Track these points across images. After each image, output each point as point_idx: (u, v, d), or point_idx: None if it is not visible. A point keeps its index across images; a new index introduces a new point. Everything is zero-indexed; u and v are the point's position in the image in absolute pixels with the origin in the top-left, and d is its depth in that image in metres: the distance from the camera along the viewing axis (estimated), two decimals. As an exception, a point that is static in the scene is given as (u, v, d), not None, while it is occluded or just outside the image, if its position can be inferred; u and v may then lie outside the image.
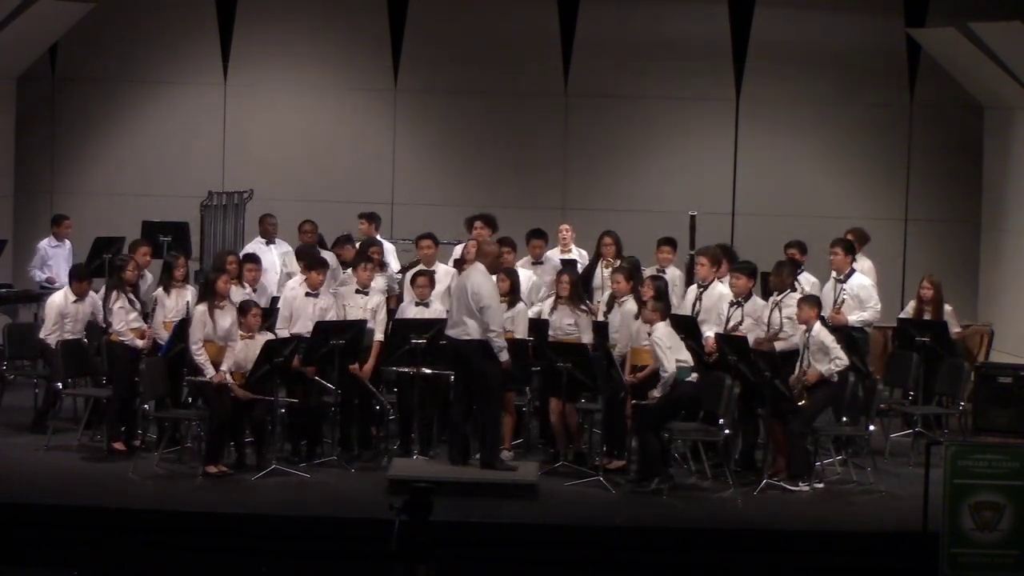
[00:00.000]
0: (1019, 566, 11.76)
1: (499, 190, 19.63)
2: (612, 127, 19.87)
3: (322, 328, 14.06)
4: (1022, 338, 17.76)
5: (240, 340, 13.99)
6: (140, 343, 14.32)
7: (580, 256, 16.75)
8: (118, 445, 14.22)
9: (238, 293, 14.47)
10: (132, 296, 14.47)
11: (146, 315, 14.64)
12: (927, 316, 15.78)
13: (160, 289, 14.69)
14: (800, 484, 13.59)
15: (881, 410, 14.75)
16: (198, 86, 19.90)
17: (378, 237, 17.14)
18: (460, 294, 13.71)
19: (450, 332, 13.73)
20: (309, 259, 14.90)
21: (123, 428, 14.36)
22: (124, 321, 14.33)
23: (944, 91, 19.49)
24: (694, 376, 13.53)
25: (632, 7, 19.76)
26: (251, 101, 19.93)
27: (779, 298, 14.18)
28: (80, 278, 15.17)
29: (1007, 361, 16.49)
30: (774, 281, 14.38)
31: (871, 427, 14.18)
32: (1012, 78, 17.78)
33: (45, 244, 17.72)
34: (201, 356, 13.70)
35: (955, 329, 15.92)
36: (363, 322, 14.31)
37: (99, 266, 17.33)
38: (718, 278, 14.61)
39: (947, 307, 15.83)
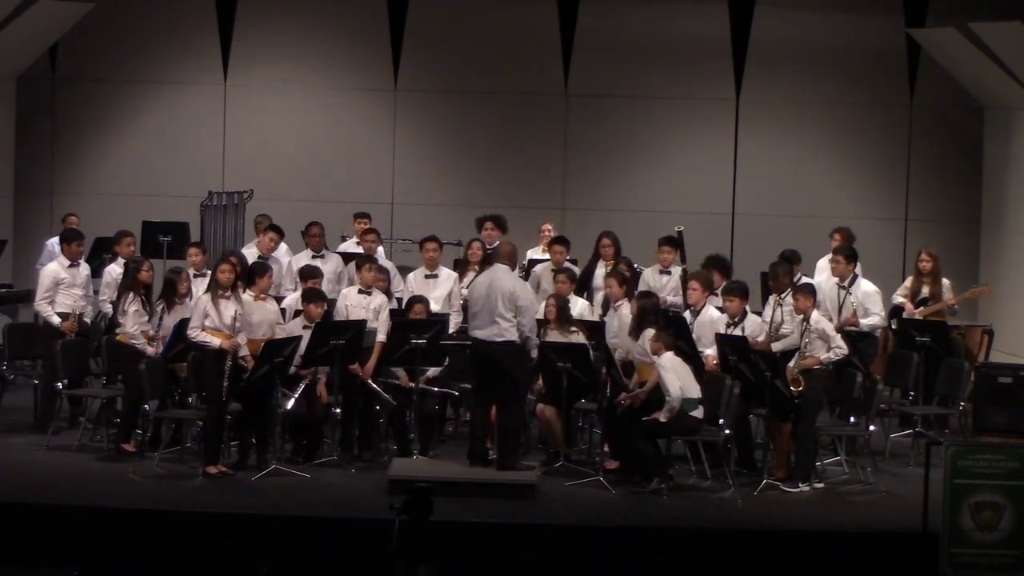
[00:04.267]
0: (1019, 566, 11.76)
1: (499, 190, 19.65)
2: (612, 127, 19.88)
3: (322, 328, 14.06)
4: (1022, 338, 17.76)
5: (255, 302, 13.94)
6: (151, 350, 14.21)
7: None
8: (128, 446, 14.21)
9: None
10: (144, 298, 14.39)
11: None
12: (925, 289, 15.81)
13: (162, 305, 14.65)
14: (800, 484, 13.59)
15: (881, 410, 14.74)
16: (198, 86, 19.90)
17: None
18: (490, 296, 13.64)
19: (477, 334, 13.70)
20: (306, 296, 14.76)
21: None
22: (138, 324, 14.25)
23: (944, 91, 19.50)
24: (700, 410, 13.50)
25: (632, 7, 19.77)
26: (251, 101, 19.94)
27: (780, 297, 14.23)
28: (69, 240, 15.20)
29: (1007, 361, 16.49)
30: (772, 284, 14.41)
31: (871, 427, 14.18)
32: (1012, 78, 17.78)
33: (53, 242, 17.70)
34: (201, 336, 13.55)
35: (948, 296, 15.85)
36: (363, 322, 14.31)
37: (98, 266, 17.34)
38: (712, 293, 14.54)
39: (945, 281, 15.85)
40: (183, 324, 14.17)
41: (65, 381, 14.74)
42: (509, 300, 13.51)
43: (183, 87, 19.93)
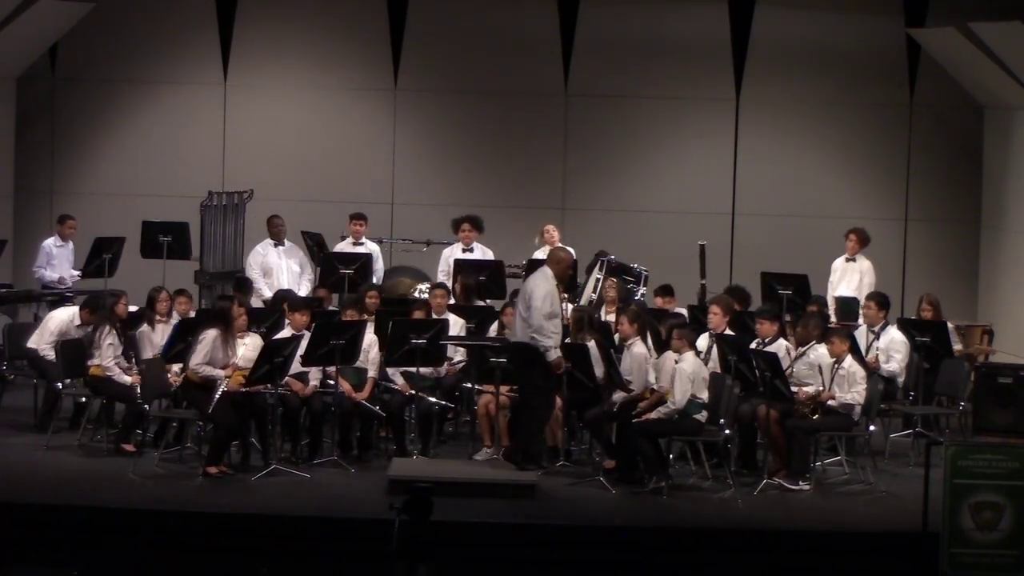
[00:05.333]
0: (1019, 566, 11.76)
1: (499, 190, 19.64)
2: (612, 127, 19.86)
3: (322, 328, 14.07)
4: (1022, 338, 17.76)
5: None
6: (128, 379, 14.29)
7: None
8: (127, 446, 14.22)
9: None
10: (119, 331, 14.44)
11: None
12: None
13: (145, 325, 14.68)
14: (800, 484, 13.59)
15: (881, 410, 14.73)
16: (198, 86, 19.89)
17: (364, 238, 17.28)
18: (520, 296, 13.85)
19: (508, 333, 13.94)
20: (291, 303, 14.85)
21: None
22: (113, 356, 14.33)
23: (944, 91, 19.49)
24: (704, 414, 13.53)
25: (632, 7, 19.75)
26: (251, 101, 19.92)
27: (803, 349, 14.12)
28: (93, 310, 15.22)
29: (1007, 361, 16.48)
30: (800, 332, 14.21)
31: (871, 427, 14.18)
32: (1012, 78, 17.77)
33: (50, 243, 17.71)
34: (205, 370, 13.59)
35: (956, 347, 15.82)
36: (363, 322, 14.34)
37: (99, 266, 17.36)
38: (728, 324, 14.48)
39: (948, 325, 15.77)
40: (184, 324, 14.22)
41: (66, 381, 14.76)
42: (526, 301, 13.58)
43: (183, 87, 19.91)
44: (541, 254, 16.80)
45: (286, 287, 16.84)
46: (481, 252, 16.98)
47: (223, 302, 14.20)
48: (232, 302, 14.11)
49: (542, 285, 13.65)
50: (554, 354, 13.51)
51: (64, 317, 15.30)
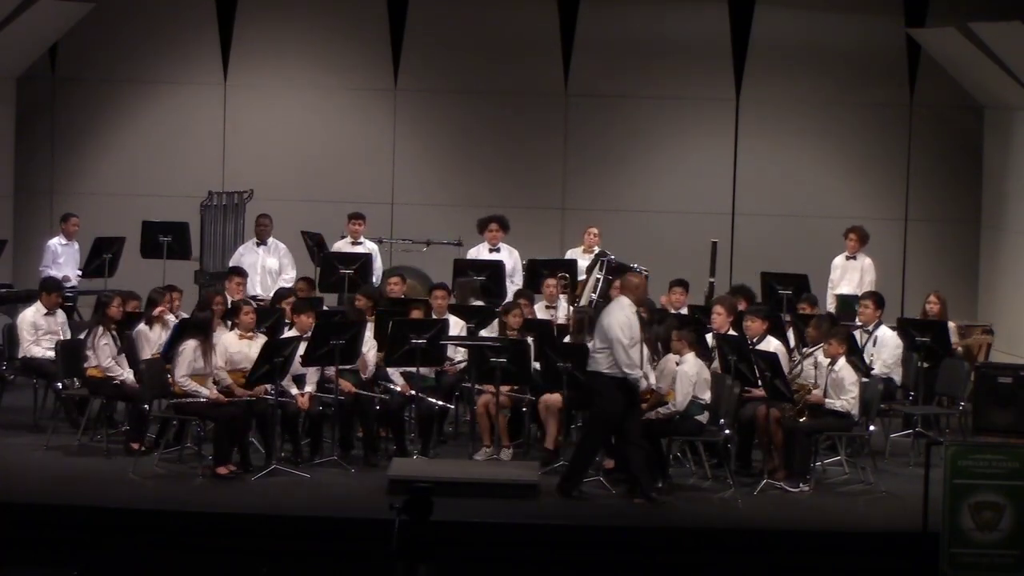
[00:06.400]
0: (1019, 566, 11.76)
1: (499, 190, 19.64)
2: (612, 127, 19.87)
3: (322, 328, 14.07)
4: (1022, 338, 17.76)
5: (240, 339, 14.07)
6: (125, 374, 14.34)
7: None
8: (135, 445, 14.23)
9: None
10: (115, 333, 14.47)
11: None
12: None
13: (143, 324, 14.68)
14: (800, 484, 13.59)
15: (881, 410, 14.73)
16: (198, 86, 19.90)
17: (362, 238, 17.31)
18: (596, 330, 13.50)
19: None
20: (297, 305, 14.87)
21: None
22: (109, 356, 14.35)
23: (944, 91, 19.49)
24: (705, 415, 13.51)
25: (632, 7, 19.76)
26: (251, 101, 19.93)
27: (811, 350, 14.10)
28: (50, 291, 15.25)
29: (1007, 361, 16.49)
30: (812, 334, 14.20)
31: (871, 427, 14.18)
32: (1012, 78, 17.78)
33: (55, 243, 17.71)
34: (189, 385, 13.63)
35: (954, 339, 15.85)
36: (363, 323, 14.34)
37: (99, 266, 17.36)
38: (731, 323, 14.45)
39: (951, 324, 15.76)
40: (184, 324, 14.23)
41: (66, 381, 14.75)
42: (603, 332, 13.27)
43: (183, 87, 19.92)
44: (572, 254, 16.85)
45: (258, 287, 16.92)
46: (508, 252, 16.99)
47: (201, 313, 14.21)
48: (211, 313, 14.14)
49: (617, 315, 13.18)
50: (644, 383, 13.25)
51: (29, 315, 15.38)
